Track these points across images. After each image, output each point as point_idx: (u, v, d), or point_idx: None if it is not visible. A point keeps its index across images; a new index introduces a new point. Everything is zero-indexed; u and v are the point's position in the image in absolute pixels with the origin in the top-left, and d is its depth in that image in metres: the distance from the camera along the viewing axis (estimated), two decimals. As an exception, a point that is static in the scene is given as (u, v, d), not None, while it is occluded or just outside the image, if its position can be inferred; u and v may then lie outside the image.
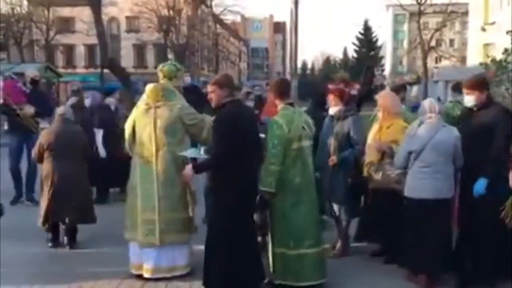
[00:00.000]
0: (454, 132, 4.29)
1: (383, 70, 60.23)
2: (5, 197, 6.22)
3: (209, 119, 4.33)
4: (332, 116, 4.97)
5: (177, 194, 4.31)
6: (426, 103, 4.44)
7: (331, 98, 5.01)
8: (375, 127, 4.90)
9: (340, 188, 4.80)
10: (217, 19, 44.13)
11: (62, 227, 5.43)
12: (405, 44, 64.67)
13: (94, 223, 5.43)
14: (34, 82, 7.35)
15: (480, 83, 4.34)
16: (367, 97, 5.93)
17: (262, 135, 4.24)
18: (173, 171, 4.27)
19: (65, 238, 5.35)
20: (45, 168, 5.39)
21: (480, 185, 4.03)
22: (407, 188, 4.32)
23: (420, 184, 4.21)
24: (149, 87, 4.44)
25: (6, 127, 7.69)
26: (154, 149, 4.29)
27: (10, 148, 7.23)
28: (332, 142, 4.82)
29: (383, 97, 5.04)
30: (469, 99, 4.34)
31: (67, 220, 5.31)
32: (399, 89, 5.96)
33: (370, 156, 4.76)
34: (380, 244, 5.01)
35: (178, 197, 4.32)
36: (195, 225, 4.53)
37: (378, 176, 4.66)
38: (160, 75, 4.57)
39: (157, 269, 4.29)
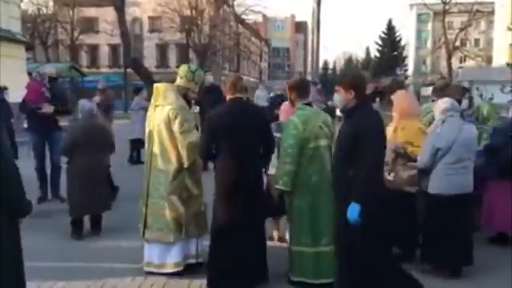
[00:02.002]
0: (474, 129, 4.52)
1: (406, 70, 59.43)
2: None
3: (195, 138, 4.30)
4: (340, 117, 4.96)
5: (162, 194, 4.32)
6: (448, 102, 4.49)
7: None
8: (390, 128, 4.85)
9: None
10: (239, 19, 44.20)
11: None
12: (429, 43, 63.75)
13: (109, 210, 5.77)
14: (51, 79, 7.33)
15: (348, 80, 3.50)
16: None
17: (277, 134, 4.41)
18: (161, 171, 4.34)
19: (90, 227, 5.68)
20: (74, 163, 5.59)
21: (352, 212, 3.27)
22: (435, 185, 4.37)
23: (449, 181, 4.30)
24: (154, 87, 4.55)
25: (25, 125, 7.70)
26: (150, 147, 4.42)
27: (34, 147, 7.18)
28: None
29: (399, 98, 4.98)
30: (335, 98, 3.74)
31: (93, 211, 5.68)
32: (442, 89, 5.69)
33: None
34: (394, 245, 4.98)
35: (165, 198, 4.31)
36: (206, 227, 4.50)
37: (390, 177, 4.63)
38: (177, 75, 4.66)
39: (148, 263, 4.43)
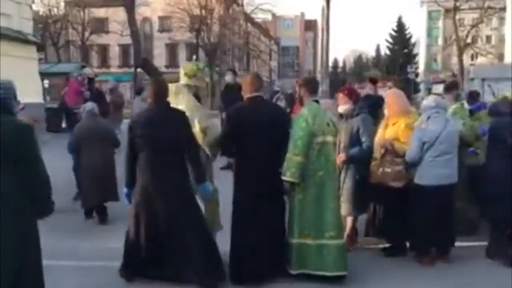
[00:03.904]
0: (458, 124, 4.91)
1: (416, 68, 58.94)
2: (61, 194, 6.41)
3: (217, 128, 4.51)
4: (341, 115, 5.08)
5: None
6: (432, 99, 4.93)
7: (340, 97, 5.17)
8: (381, 125, 5.04)
9: (349, 184, 4.89)
10: (248, 18, 44.20)
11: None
12: (440, 41, 63.21)
13: (118, 201, 6.09)
14: (89, 80, 7.62)
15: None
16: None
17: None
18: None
19: (97, 216, 6.18)
20: (81, 158, 6.19)
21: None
22: (421, 177, 4.69)
23: (434, 172, 4.62)
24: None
25: (64, 125, 7.90)
26: None
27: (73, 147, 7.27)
28: (341, 140, 4.90)
29: (390, 96, 5.13)
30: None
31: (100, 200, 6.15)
32: (452, 87, 5.92)
33: (376, 152, 4.93)
34: (384, 238, 5.07)
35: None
36: (219, 224, 4.63)
37: (378, 172, 4.83)
38: (182, 73, 4.59)
39: None
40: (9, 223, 2.65)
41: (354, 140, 4.89)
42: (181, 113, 4.18)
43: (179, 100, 4.39)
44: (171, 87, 4.48)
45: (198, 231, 4.09)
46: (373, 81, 6.59)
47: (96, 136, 6.10)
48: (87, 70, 8.10)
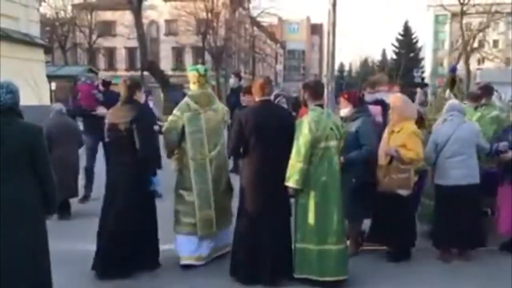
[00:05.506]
0: (475, 127, 5.01)
1: (423, 72, 58.77)
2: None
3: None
4: (341, 118, 5.09)
5: (224, 187, 4.80)
6: (449, 104, 5.13)
7: (341, 101, 5.25)
8: (387, 131, 5.01)
9: (346, 188, 4.81)
10: (254, 22, 44.28)
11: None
12: (446, 45, 62.99)
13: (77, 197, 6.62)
14: (105, 83, 7.66)
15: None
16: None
17: None
18: (222, 167, 4.78)
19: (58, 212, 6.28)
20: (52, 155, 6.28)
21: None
22: (439, 177, 4.87)
23: (448, 173, 4.77)
24: (200, 94, 4.72)
25: (81, 128, 8.00)
26: (207, 151, 4.61)
27: (87, 148, 7.32)
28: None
29: (395, 100, 5.08)
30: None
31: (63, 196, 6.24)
32: (476, 97, 5.98)
33: (381, 159, 4.89)
34: (388, 245, 5.05)
35: (225, 189, 4.81)
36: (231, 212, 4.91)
37: (385, 179, 4.80)
38: (201, 80, 4.77)
39: (215, 249, 4.76)
40: (24, 224, 2.71)
41: (352, 143, 4.86)
42: (136, 110, 4.41)
43: (216, 102, 4.88)
44: (206, 92, 4.80)
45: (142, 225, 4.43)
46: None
47: (63, 134, 6.39)
48: (101, 74, 8.24)
